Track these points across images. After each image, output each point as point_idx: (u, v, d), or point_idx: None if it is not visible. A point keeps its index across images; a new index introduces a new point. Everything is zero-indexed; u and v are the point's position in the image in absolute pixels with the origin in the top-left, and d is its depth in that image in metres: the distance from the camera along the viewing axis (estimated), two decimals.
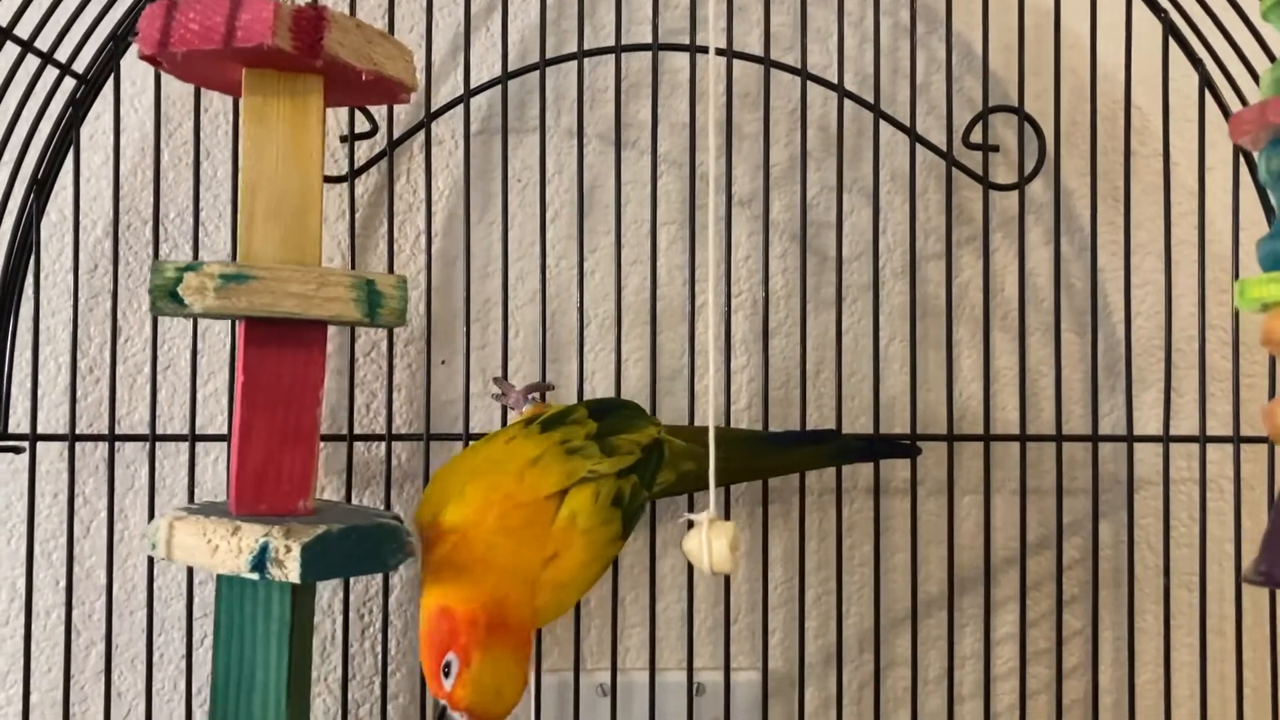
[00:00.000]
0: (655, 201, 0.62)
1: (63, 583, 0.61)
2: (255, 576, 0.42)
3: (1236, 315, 0.64)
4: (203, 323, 0.62)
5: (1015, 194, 0.63)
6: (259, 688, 0.44)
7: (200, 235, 0.61)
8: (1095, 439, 0.62)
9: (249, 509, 0.45)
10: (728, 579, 0.61)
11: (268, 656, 0.44)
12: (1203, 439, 0.61)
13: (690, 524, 0.41)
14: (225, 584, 0.45)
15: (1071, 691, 0.65)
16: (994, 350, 0.65)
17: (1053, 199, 0.64)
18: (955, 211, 0.64)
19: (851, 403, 0.65)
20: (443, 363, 0.64)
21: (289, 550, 0.42)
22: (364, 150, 0.62)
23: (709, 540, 0.38)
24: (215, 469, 0.63)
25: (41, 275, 0.60)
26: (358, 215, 0.63)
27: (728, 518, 0.60)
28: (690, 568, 0.61)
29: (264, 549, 0.42)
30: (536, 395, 0.56)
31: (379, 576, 0.63)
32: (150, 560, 0.60)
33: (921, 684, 0.64)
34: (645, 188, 0.63)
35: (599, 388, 0.64)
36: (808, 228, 0.63)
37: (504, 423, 0.59)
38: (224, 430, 0.60)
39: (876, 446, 0.60)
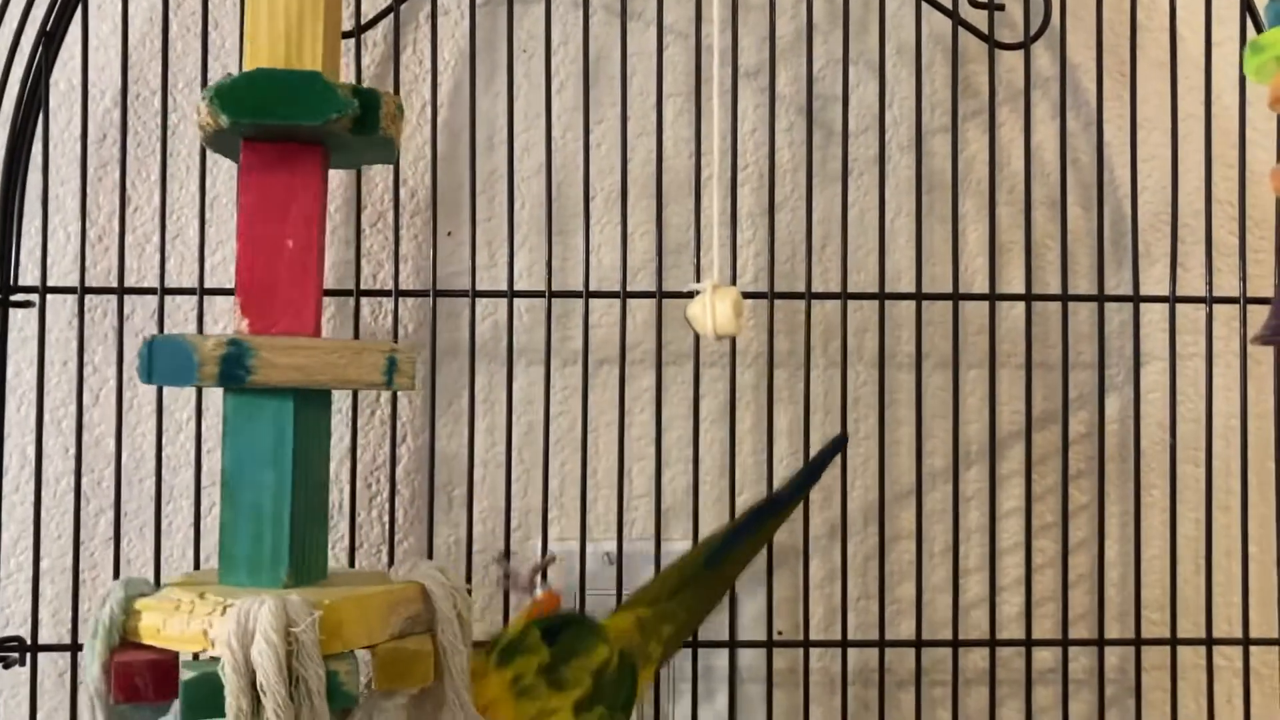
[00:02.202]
0: (661, 73, 0.62)
1: (72, 450, 0.62)
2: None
3: (1243, 188, 0.63)
4: (210, 193, 0.62)
5: (1021, 66, 0.63)
6: (266, 498, 0.45)
7: None
8: (1101, 298, 0.62)
9: (262, 328, 0.45)
10: (733, 452, 0.62)
11: (273, 466, 0.45)
12: (1209, 299, 0.61)
13: (693, 294, 0.41)
14: (232, 400, 0.45)
15: (1078, 566, 0.65)
16: (1000, 224, 0.65)
17: (1058, 73, 0.64)
18: (961, 85, 0.64)
19: (857, 276, 0.65)
20: (449, 234, 0.64)
21: None
22: (370, 7, 0.62)
23: (713, 304, 0.38)
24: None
25: (50, 145, 0.60)
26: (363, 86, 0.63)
27: (732, 400, 0.61)
28: (696, 439, 0.61)
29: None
30: (542, 572, 0.54)
31: (385, 447, 0.63)
32: (159, 429, 0.60)
33: (926, 557, 0.64)
34: (651, 59, 0.63)
35: (605, 260, 0.64)
36: (814, 101, 0.63)
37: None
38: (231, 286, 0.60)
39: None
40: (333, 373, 0.45)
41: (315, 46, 0.47)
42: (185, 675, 0.40)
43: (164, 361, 0.44)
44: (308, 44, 0.46)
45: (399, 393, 0.63)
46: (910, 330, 0.64)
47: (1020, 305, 0.64)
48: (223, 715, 0.40)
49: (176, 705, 0.42)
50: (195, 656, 0.42)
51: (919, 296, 0.61)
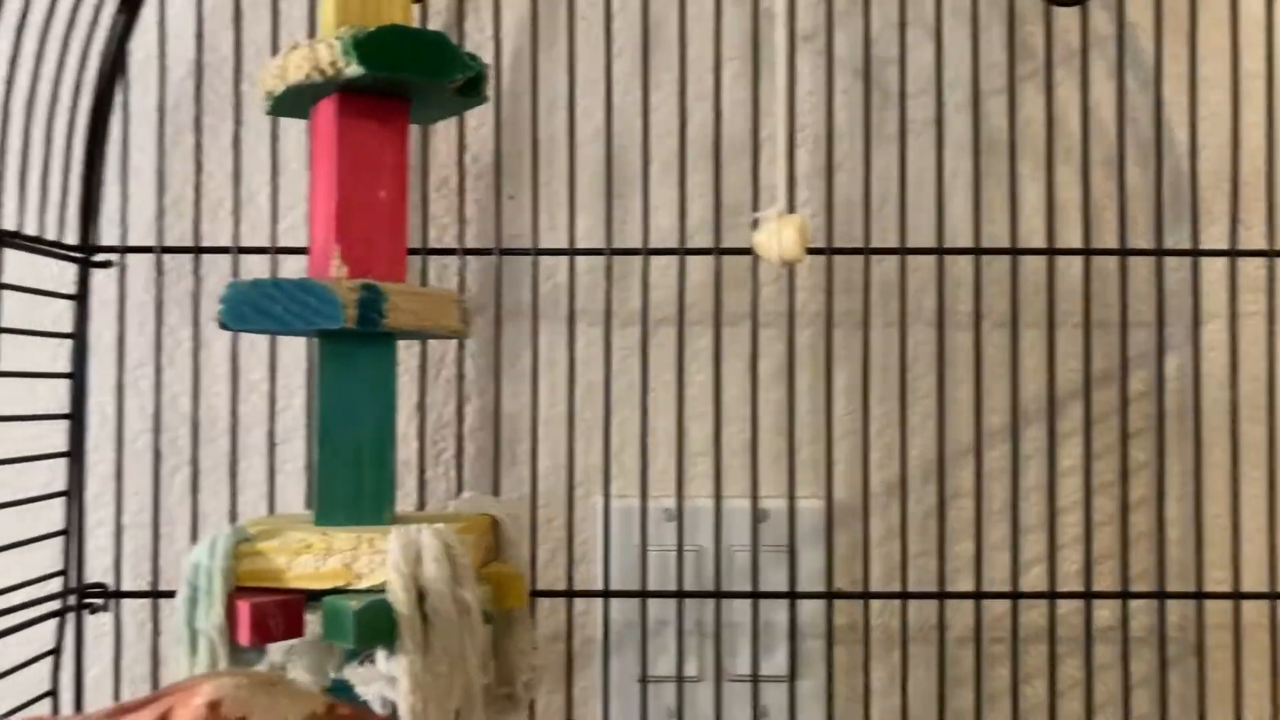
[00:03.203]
0: (719, 37, 0.63)
1: (149, 408, 0.64)
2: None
3: None
4: (281, 158, 0.64)
5: (1077, 26, 0.63)
6: (367, 439, 0.47)
7: None
8: (1160, 252, 0.62)
9: (361, 276, 0.47)
10: (792, 411, 0.62)
11: (374, 408, 0.47)
12: (1271, 253, 0.61)
13: (755, 224, 0.42)
14: (329, 346, 0.47)
15: (1137, 524, 0.65)
16: (1057, 184, 0.65)
17: (1116, 31, 0.64)
18: (1018, 45, 0.65)
19: (915, 236, 0.65)
20: (510, 197, 0.66)
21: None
22: None
23: (778, 231, 0.39)
24: None
25: (128, 115, 0.62)
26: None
27: (791, 358, 0.62)
28: (754, 398, 0.62)
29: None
30: None
31: (452, 405, 0.65)
32: (234, 388, 0.62)
33: (986, 515, 0.65)
34: (709, 23, 0.64)
35: (662, 223, 0.65)
36: (871, 63, 0.64)
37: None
38: (301, 246, 0.62)
39: None
40: (434, 318, 0.46)
41: (394, 9, 0.48)
42: (354, 604, 0.40)
43: (296, 305, 0.45)
44: (396, 6, 0.48)
45: (465, 353, 0.65)
46: (968, 290, 0.64)
47: (1078, 264, 0.64)
48: (382, 640, 0.41)
49: (293, 643, 0.43)
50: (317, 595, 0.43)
51: (977, 251, 0.61)
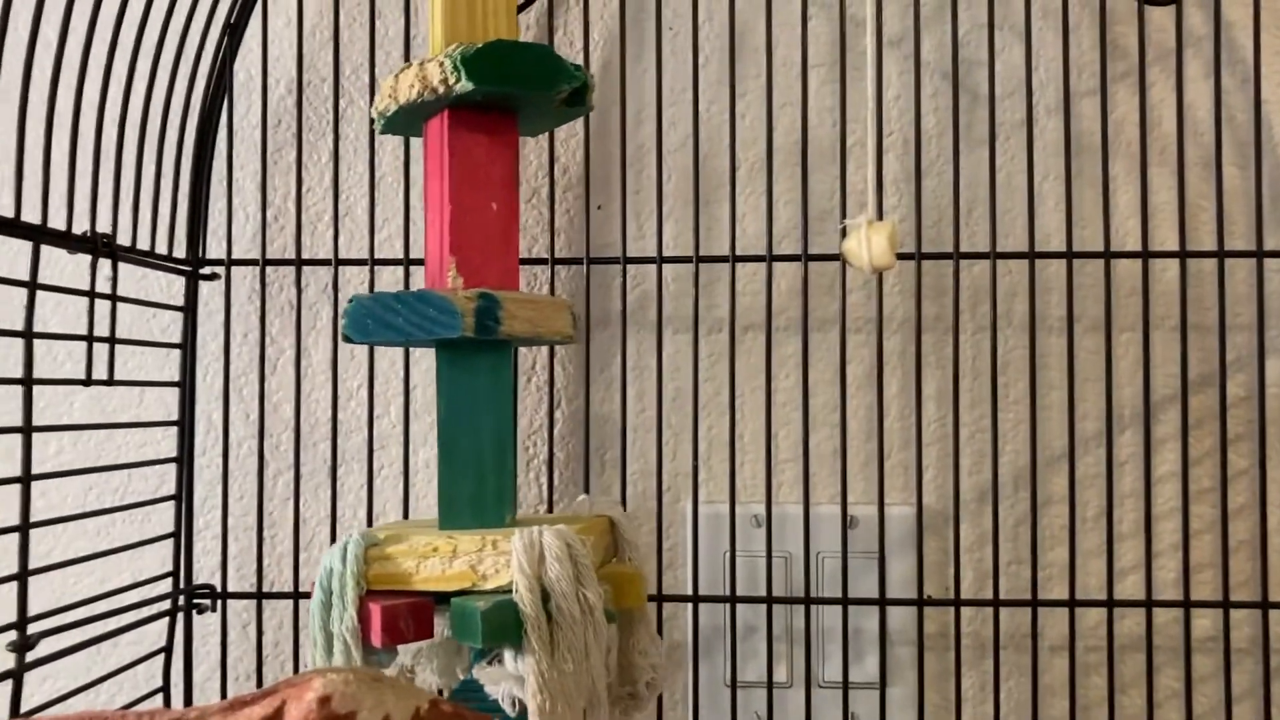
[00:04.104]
0: (805, 44, 0.63)
1: (253, 415, 0.66)
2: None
3: None
4: (377, 172, 0.66)
5: (1170, 25, 0.62)
6: (487, 443, 0.48)
7: (375, 92, 0.65)
8: (1260, 254, 0.60)
9: (475, 285, 0.48)
10: (880, 417, 0.62)
11: (493, 413, 0.48)
12: None
13: (844, 231, 0.42)
14: (447, 355, 0.49)
15: (1238, 532, 0.64)
16: (1151, 186, 0.64)
17: (1212, 30, 0.63)
18: (1109, 47, 0.64)
19: (1005, 240, 0.65)
20: (599, 207, 0.67)
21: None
22: None
23: (868, 238, 0.39)
24: None
25: (233, 133, 0.65)
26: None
27: (880, 364, 0.61)
28: (843, 404, 0.62)
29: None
30: None
31: (543, 411, 0.66)
32: (334, 395, 0.64)
33: (1079, 522, 0.64)
34: (795, 30, 0.64)
35: (749, 229, 0.66)
36: (959, 66, 0.63)
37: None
38: (398, 257, 0.64)
39: None
40: (548, 324, 0.48)
41: (499, 24, 0.49)
42: (481, 605, 0.42)
43: (416, 316, 0.46)
44: (502, 21, 0.49)
45: (555, 360, 0.66)
46: (1060, 294, 0.64)
47: (1174, 267, 0.63)
48: (509, 640, 0.42)
49: (421, 644, 0.44)
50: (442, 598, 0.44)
51: (1069, 255, 0.60)
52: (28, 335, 0.49)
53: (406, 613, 0.44)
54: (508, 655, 0.43)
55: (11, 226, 0.48)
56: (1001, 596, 0.62)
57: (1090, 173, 0.64)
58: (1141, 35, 0.62)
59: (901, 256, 0.60)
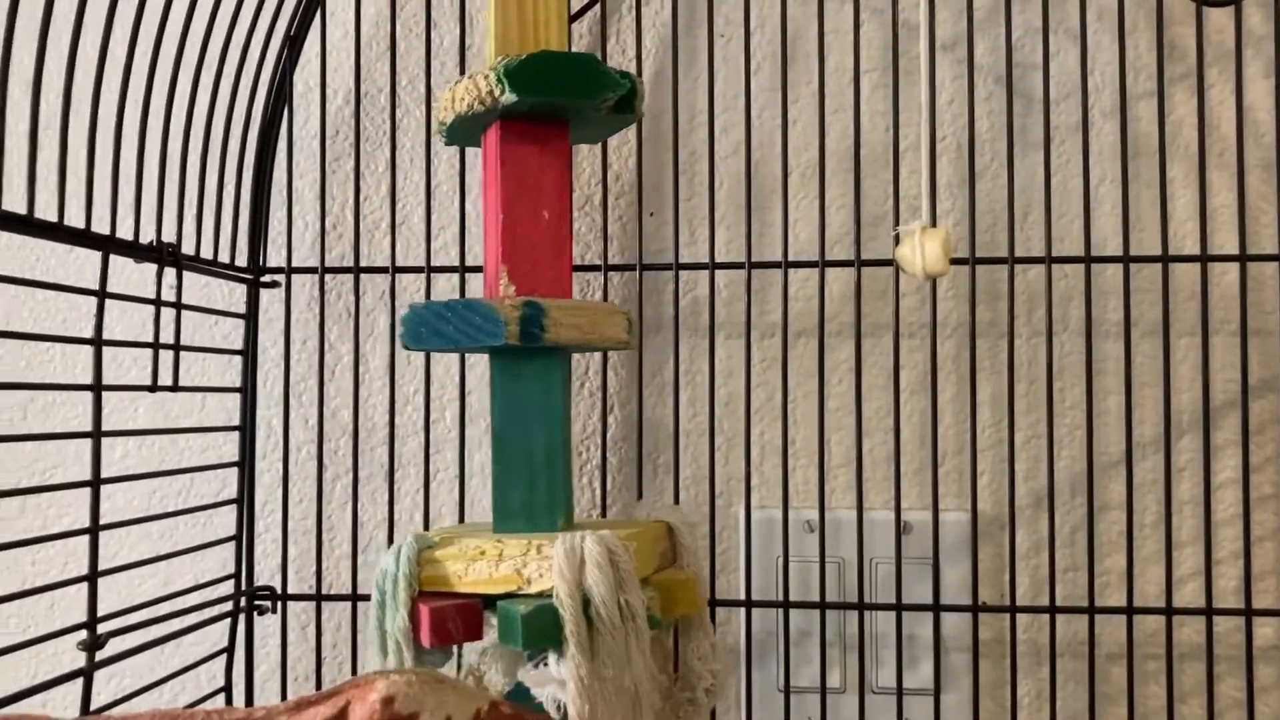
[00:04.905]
0: (858, 49, 0.63)
1: (312, 421, 0.68)
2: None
3: None
4: (433, 181, 0.67)
5: (1229, 25, 0.62)
6: (539, 449, 0.49)
7: (431, 102, 0.66)
8: None
9: (527, 292, 0.49)
10: (935, 422, 0.62)
11: (545, 419, 0.49)
12: None
13: (897, 238, 0.42)
14: (499, 362, 0.49)
15: None
16: (1210, 188, 0.63)
17: (1273, 30, 0.62)
18: (1167, 48, 0.63)
19: (1060, 244, 0.64)
20: (651, 214, 0.67)
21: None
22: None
23: (922, 244, 0.40)
24: None
25: (292, 143, 0.66)
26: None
27: (934, 369, 0.61)
28: (897, 410, 0.62)
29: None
30: None
31: (595, 416, 0.67)
32: (391, 401, 0.65)
33: (1137, 529, 0.63)
34: (847, 36, 0.64)
35: (801, 235, 0.66)
36: (1013, 70, 0.63)
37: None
38: (453, 264, 0.65)
39: None
40: (599, 331, 0.48)
41: (549, 34, 0.50)
42: (523, 609, 0.43)
43: (464, 324, 0.47)
44: (553, 32, 0.50)
45: (608, 366, 0.66)
46: (1117, 299, 0.63)
47: (1233, 271, 0.62)
48: (550, 643, 0.43)
49: (486, 646, 0.45)
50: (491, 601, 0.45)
51: (1126, 259, 0.60)
52: (97, 342, 0.50)
53: (454, 614, 0.44)
54: (551, 659, 0.44)
55: (83, 237, 0.49)
56: (1058, 603, 0.61)
57: (1148, 175, 0.64)
58: (1200, 36, 0.61)
59: (956, 261, 0.60)
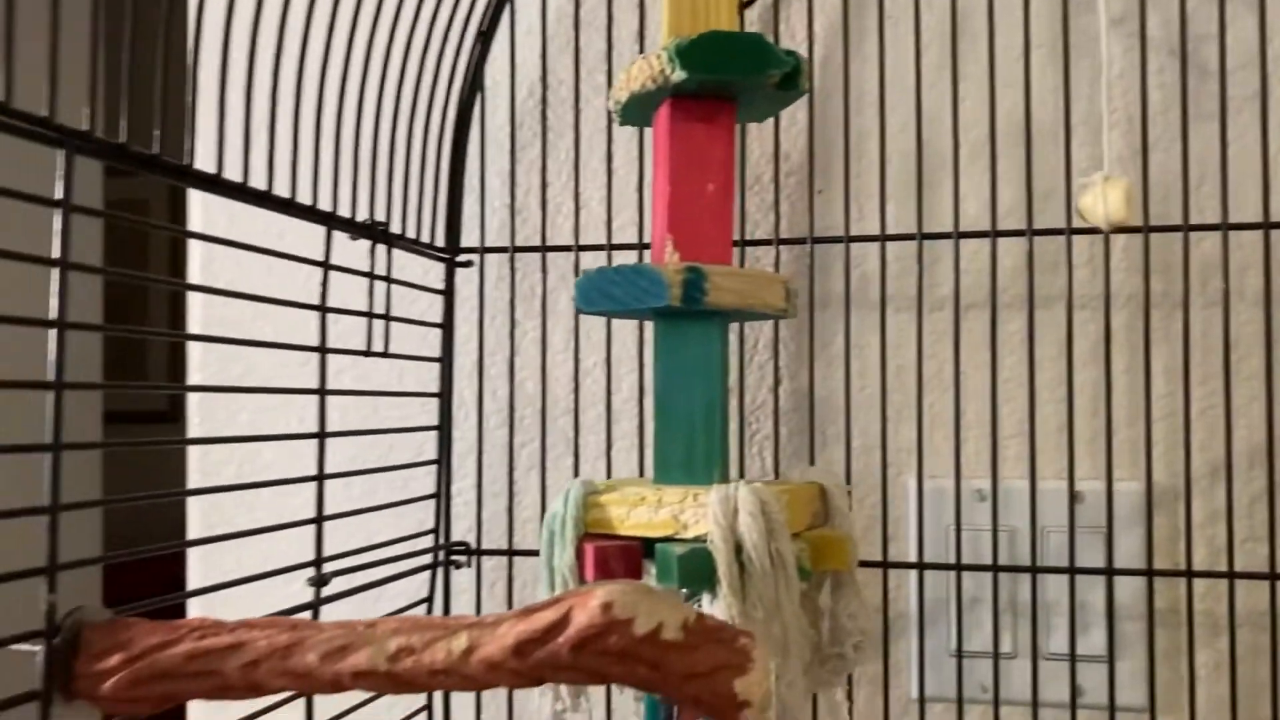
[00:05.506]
0: (1028, 25, 0.64)
1: (500, 392, 0.72)
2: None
3: None
4: (613, 164, 0.71)
5: None
6: (699, 408, 0.52)
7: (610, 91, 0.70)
8: None
9: (689, 255, 0.52)
10: (1109, 393, 0.62)
11: (704, 380, 0.52)
12: None
13: (1081, 188, 0.43)
14: (664, 325, 0.53)
15: None
16: None
17: None
18: None
19: (1236, 214, 0.64)
20: (820, 191, 0.70)
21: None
22: None
23: (1104, 193, 0.41)
24: None
25: (484, 131, 0.71)
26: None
27: (1107, 340, 0.62)
28: (1070, 381, 0.63)
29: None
30: None
31: (764, 388, 0.69)
32: (576, 372, 0.69)
33: None
34: (1015, 14, 0.66)
35: (970, 210, 0.67)
36: (1187, 41, 0.63)
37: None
38: (633, 242, 0.69)
39: None
40: (758, 296, 0.51)
41: (719, 18, 0.53)
42: (678, 550, 0.46)
43: (630, 287, 0.50)
44: (724, 15, 0.53)
45: (779, 338, 0.69)
46: None
47: None
48: (703, 585, 0.46)
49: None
50: (650, 544, 0.48)
51: None
52: (322, 309, 0.55)
53: (616, 554, 0.48)
54: (705, 601, 0.46)
55: (309, 212, 0.54)
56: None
57: None
58: None
59: (1128, 230, 0.61)
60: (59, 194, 0.39)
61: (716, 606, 0.46)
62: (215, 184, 0.48)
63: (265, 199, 0.51)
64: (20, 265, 0.38)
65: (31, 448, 0.38)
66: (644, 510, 0.49)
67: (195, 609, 0.67)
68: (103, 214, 0.43)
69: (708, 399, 0.52)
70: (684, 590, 0.46)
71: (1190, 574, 0.61)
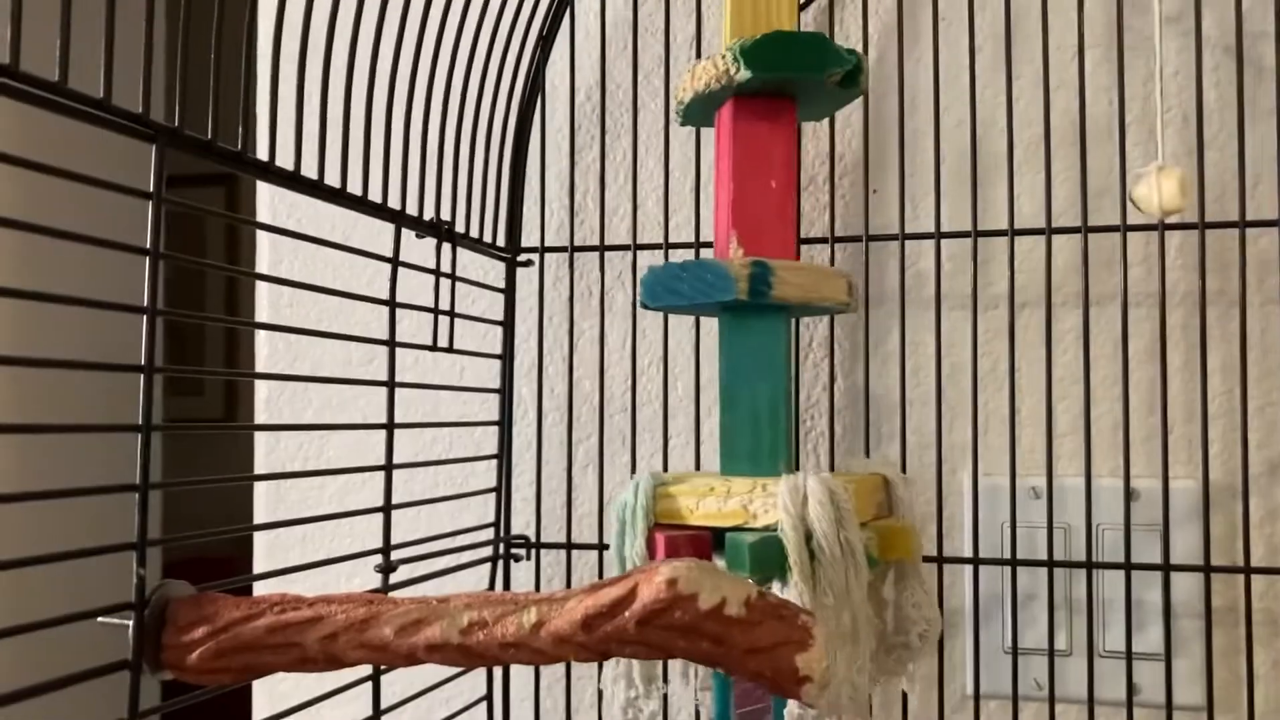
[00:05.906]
0: (1081, 25, 0.65)
1: (558, 389, 0.74)
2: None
3: None
4: (669, 165, 0.72)
5: None
6: (764, 400, 0.53)
7: (669, 94, 0.72)
8: None
9: (753, 251, 0.53)
10: (1164, 391, 0.63)
11: (769, 373, 0.53)
12: None
13: (1136, 178, 0.44)
14: (730, 320, 0.54)
15: None
16: None
17: None
18: None
19: None
20: (874, 191, 0.70)
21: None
22: None
23: (1159, 183, 0.42)
24: None
25: (544, 134, 0.73)
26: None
27: (1163, 329, 0.62)
28: (1126, 379, 0.63)
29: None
30: None
31: (820, 385, 0.70)
32: (633, 370, 0.70)
33: None
34: (1069, 14, 0.66)
35: (1025, 209, 0.68)
36: (1243, 39, 0.63)
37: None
38: (689, 241, 0.70)
39: None
40: (821, 290, 0.52)
41: (779, 18, 0.55)
42: (749, 539, 0.47)
43: (697, 282, 0.52)
44: (784, 16, 0.54)
45: (834, 336, 0.70)
46: None
47: None
48: (774, 572, 0.47)
49: None
50: (719, 534, 0.50)
51: None
52: (391, 304, 0.57)
53: (686, 543, 0.49)
54: (775, 588, 0.47)
55: (380, 210, 0.56)
56: None
57: None
58: None
59: (1184, 226, 0.61)
60: (150, 187, 0.41)
61: (787, 594, 0.47)
62: (294, 180, 0.50)
63: (339, 196, 0.53)
64: (57, 251, 0.40)
65: (124, 427, 0.40)
66: (713, 500, 0.50)
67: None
68: (197, 209, 0.45)
69: (772, 391, 0.53)
70: (754, 578, 0.47)
71: (1249, 570, 0.61)
